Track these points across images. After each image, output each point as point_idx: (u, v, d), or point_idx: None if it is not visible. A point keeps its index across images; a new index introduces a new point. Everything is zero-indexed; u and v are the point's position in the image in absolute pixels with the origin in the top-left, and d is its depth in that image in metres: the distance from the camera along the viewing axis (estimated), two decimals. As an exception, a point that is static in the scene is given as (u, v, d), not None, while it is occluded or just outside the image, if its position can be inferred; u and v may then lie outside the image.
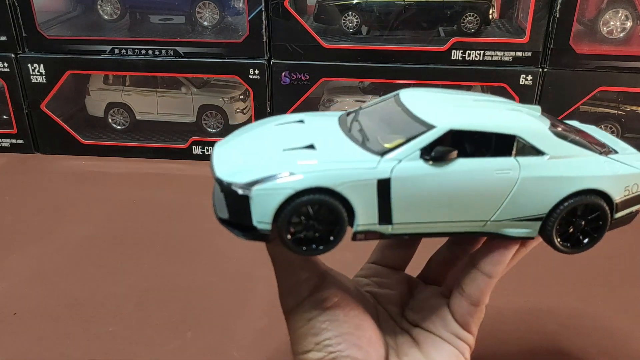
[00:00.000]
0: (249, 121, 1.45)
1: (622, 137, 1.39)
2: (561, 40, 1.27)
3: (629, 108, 1.40)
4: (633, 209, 0.58)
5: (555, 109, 1.32)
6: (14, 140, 1.49)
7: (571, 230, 0.55)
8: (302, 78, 1.36)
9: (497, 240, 0.56)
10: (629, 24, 1.32)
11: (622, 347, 0.84)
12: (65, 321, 0.89)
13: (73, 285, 0.98)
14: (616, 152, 0.59)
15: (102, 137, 1.51)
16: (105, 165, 1.45)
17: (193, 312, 0.92)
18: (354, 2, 1.40)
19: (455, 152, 0.51)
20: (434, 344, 0.59)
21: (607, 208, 0.55)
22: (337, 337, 0.54)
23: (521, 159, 0.53)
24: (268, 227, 0.50)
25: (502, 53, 1.29)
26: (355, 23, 1.41)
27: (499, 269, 0.57)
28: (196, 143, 1.46)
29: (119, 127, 1.54)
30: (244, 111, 1.49)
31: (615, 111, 1.40)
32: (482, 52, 1.30)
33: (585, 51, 1.29)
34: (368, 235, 0.52)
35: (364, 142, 0.53)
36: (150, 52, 1.39)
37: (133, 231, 1.14)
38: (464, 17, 1.37)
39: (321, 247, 0.51)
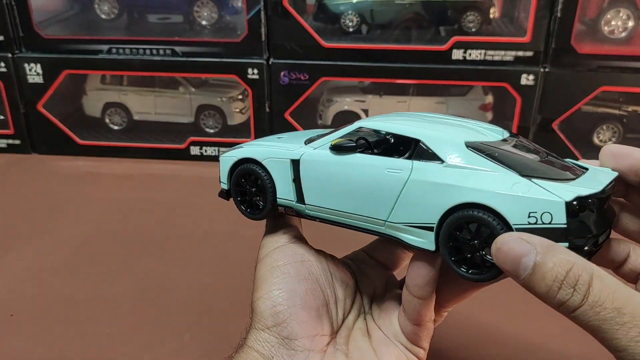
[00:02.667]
0: (247, 121, 1.45)
1: (624, 138, 1.39)
2: (563, 39, 1.26)
3: (630, 108, 1.39)
4: None
5: (557, 109, 1.32)
6: (10, 141, 1.48)
7: (467, 250, 0.50)
8: (302, 78, 1.35)
9: (418, 263, 0.56)
10: (630, 23, 1.31)
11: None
12: (62, 322, 0.89)
13: (70, 287, 0.97)
14: (571, 179, 0.50)
15: (99, 137, 1.50)
16: (102, 165, 1.44)
17: (191, 313, 0.91)
18: (354, 1, 1.39)
19: (352, 145, 0.56)
20: (385, 346, 0.61)
21: (500, 231, 0.47)
22: (289, 291, 0.58)
23: (417, 162, 0.53)
24: (226, 186, 0.66)
25: (503, 52, 1.29)
26: (355, 22, 1.40)
27: (425, 292, 0.56)
28: (194, 143, 1.45)
29: (116, 127, 1.53)
30: (243, 111, 1.48)
31: (617, 111, 1.39)
32: (483, 51, 1.29)
33: (587, 51, 1.29)
34: (287, 210, 0.61)
35: (309, 140, 0.61)
36: (148, 51, 1.38)
37: (130, 232, 1.13)
38: (464, 16, 1.36)
39: (256, 212, 0.63)
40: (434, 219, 0.51)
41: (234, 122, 1.48)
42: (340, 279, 0.63)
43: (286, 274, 0.59)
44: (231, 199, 0.66)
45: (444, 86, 1.42)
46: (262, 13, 1.30)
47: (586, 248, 0.47)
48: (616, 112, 1.39)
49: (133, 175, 1.39)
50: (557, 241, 0.45)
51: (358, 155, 0.56)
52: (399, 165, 0.53)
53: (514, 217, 0.47)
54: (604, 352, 0.42)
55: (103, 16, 1.47)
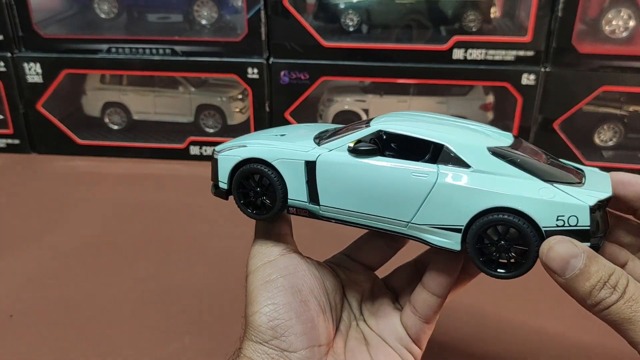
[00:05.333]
0: (247, 121, 1.45)
1: (625, 138, 1.39)
2: (564, 39, 1.26)
3: (631, 108, 1.39)
4: None
5: (558, 108, 1.32)
6: (10, 141, 1.48)
7: (494, 250, 0.53)
8: (302, 77, 1.35)
9: (440, 263, 0.60)
10: (631, 23, 1.31)
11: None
12: (62, 324, 0.88)
13: (70, 288, 0.96)
14: (580, 183, 0.55)
15: (98, 137, 1.50)
16: (101, 165, 1.43)
17: (191, 315, 0.90)
18: (355, 0, 1.38)
19: (374, 148, 0.56)
20: (383, 351, 0.62)
21: (530, 233, 0.51)
22: (284, 305, 0.57)
23: (443, 167, 0.55)
24: (226, 186, 0.63)
25: (504, 52, 1.28)
26: (355, 21, 1.40)
27: (444, 290, 0.60)
28: (194, 143, 1.44)
29: (115, 127, 1.53)
30: (243, 111, 1.48)
31: (618, 111, 1.39)
32: (484, 51, 1.29)
33: (588, 51, 1.28)
34: (299, 211, 0.60)
35: (318, 138, 0.61)
36: (147, 51, 1.37)
37: (130, 233, 1.13)
38: (465, 15, 1.36)
39: (263, 213, 0.61)
40: (462, 221, 0.54)
41: (234, 122, 1.48)
42: (331, 286, 0.64)
43: (280, 287, 0.58)
44: (231, 199, 0.65)
45: (445, 86, 1.42)
46: (262, 12, 1.30)
47: (599, 247, 0.52)
48: (617, 112, 1.39)
49: (132, 175, 1.39)
50: (581, 242, 0.50)
51: (380, 158, 0.56)
52: (425, 169, 0.55)
53: (543, 220, 0.51)
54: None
55: (102, 15, 1.47)
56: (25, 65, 1.39)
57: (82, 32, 1.47)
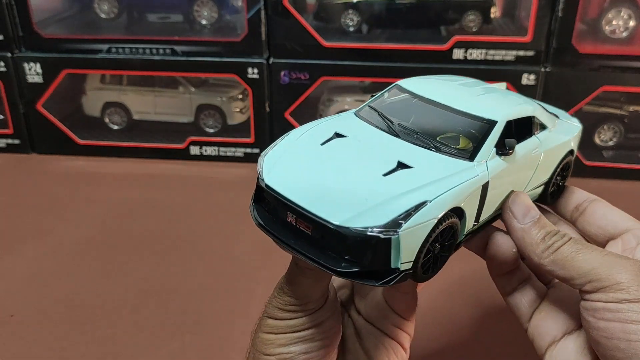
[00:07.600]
0: (247, 121, 1.44)
1: (625, 138, 1.39)
2: (564, 39, 1.26)
3: (631, 108, 1.39)
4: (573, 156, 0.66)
5: (558, 108, 1.31)
6: (10, 141, 1.48)
7: (554, 184, 0.63)
8: (302, 77, 1.35)
9: None
10: (631, 23, 1.31)
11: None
12: (62, 323, 0.88)
13: (70, 287, 0.96)
14: (557, 116, 0.65)
15: (98, 137, 1.50)
16: (102, 165, 1.43)
17: (191, 314, 0.90)
18: (355, 0, 1.38)
19: (515, 142, 0.54)
20: (374, 341, 0.61)
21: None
22: (300, 354, 0.55)
23: (539, 135, 0.59)
24: (410, 265, 0.45)
25: (504, 52, 1.28)
26: (355, 21, 1.40)
27: None
28: (194, 143, 1.44)
29: (115, 127, 1.53)
30: (243, 111, 1.48)
31: (618, 111, 1.39)
32: (484, 51, 1.29)
33: (588, 50, 1.28)
34: (467, 238, 0.54)
35: (438, 149, 0.52)
36: (147, 51, 1.37)
37: (130, 232, 1.13)
38: (465, 15, 1.36)
39: (437, 267, 0.49)
40: (548, 175, 0.61)
41: (234, 121, 1.48)
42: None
43: (306, 339, 0.55)
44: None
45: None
46: (262, 12, 1.30)
47: None
48: (617, 112, 1.39)
49: (133, 175, 1.39)
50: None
51: (516, 148, 0.54)
52: (535, 143, 0.58)
53: (575, 148, 0.64)
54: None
55: (103, 15, 1.47)
56: (25, 65, 1.39)
57: (82, 32, 1.47)
